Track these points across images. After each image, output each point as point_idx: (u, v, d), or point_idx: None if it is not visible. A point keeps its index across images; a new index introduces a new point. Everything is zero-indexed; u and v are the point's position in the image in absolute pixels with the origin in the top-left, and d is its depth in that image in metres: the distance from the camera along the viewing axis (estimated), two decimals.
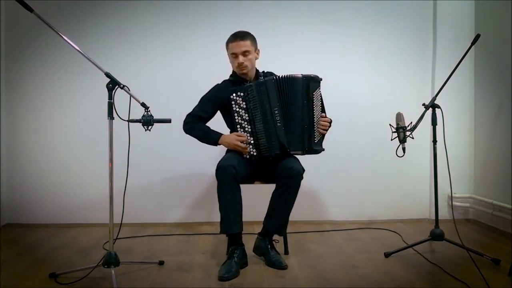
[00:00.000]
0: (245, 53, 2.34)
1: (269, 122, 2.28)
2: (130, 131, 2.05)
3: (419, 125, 2.38)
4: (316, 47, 3.25)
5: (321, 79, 2.32)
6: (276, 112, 2.27)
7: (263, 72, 2.53)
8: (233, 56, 2.37)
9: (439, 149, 2.46)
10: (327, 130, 2.36)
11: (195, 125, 2.42)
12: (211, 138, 2.37)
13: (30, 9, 1.86)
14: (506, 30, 2.85)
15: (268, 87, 2.28)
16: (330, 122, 2.38)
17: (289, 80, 2.29)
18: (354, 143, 3.28)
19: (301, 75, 2.29)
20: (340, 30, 3.26)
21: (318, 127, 2.32)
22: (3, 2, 3.10)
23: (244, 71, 2.38)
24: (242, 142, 2.29)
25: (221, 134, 2.37)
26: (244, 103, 2.29)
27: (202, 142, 2.42)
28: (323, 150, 2.37)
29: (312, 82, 2.29)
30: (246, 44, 2.34)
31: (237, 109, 2.30)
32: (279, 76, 2.31)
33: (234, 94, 2.29)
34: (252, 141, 2.30)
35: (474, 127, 3.28)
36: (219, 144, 2.37)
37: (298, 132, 2.30)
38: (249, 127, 2.30)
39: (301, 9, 3.23)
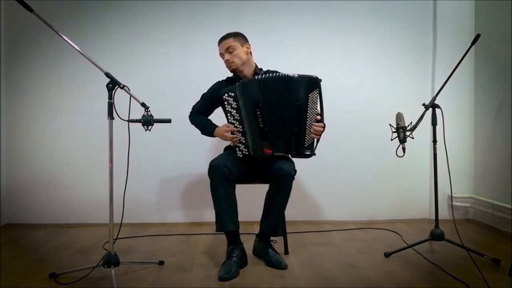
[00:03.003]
0: (228, 50, 2.37)
1: (253, 123, 2.24)
2: (130, 131, 2.05)
3: (419, 125, 2.38)
4: (316, 47, 3.24)
5: (320, 80, 2.20)
6: (258, 112, 2.22)
7: (262, 70, 2.47)
8: (221, 57, 2.43)
9: (439, 149, 2.46)
10: (319, 135, 2.27)
11: (196, 117, 2.52)
12: (208, 130, 2.44)
13: (30, 9, 1.86)
14: (506, 30, 2.85)
15: (250, 87, 2.22)
16: (324, 127, 2.28)
17: (282, 80, 2.20)
18: (354, 143, 3.28)
19: (297, 75, 2.19)
20: (340, 30, 3.26)
21: (310, 131, 2.24)
22: (3, 2, 3.10)
23: (232, 66, 2.40)
24: (231, 132, 2.29)
25: (216, 126, 2.40)
26: (235, 103, 2.27)
27: (202, 133, 2.49)
28: (314, 154, 2.29)
29: (308, 83, 2.19)
30: (227, 42, 2.38)
31: (229, 109, 2.29)
32: (269, 75, 2.22)
33: (226, 94, 2.28)
34: (244, 141, 2.29)
35: (474, 127, 3.28)
36: (215, 136, 2.40)
37: (285, 134, 2.24)
38: (240, 126, 2.28)
39: (301, 9, 3.23)
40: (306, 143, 2.25)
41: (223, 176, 2.17)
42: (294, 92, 2.20)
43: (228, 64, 2.40)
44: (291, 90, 2.20)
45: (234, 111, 2.28)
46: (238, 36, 2.41)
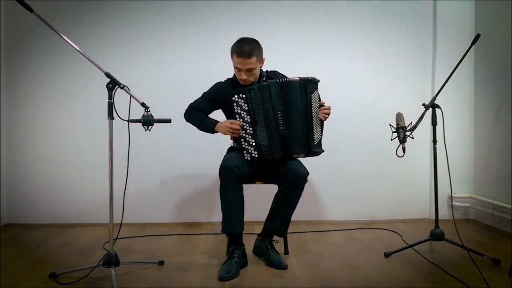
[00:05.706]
0: (249, 70, 2.28)
1: (272, 125, 2.26)
2: (130, 131, 2.05)
3: (419, 125, 2.38)
4: (316, 47, 3.24)
5: (318, 81, 2.30)
6: (279, 115, 2.26)
7: (267, 71, 2.49)
8: (237, 69, 2.32)
9: (439, 149, 2.46)
10: (327, 116, 2.33)
11: (193, 113, 2.46)
12: (208, 125, 2.39)
13: (30, 9, 1.86)
14: (506, 30, 2.84)
15: (272, 90, 2.25)
16: (329, 108, 2.35)
17: (288, 84, 2.27)
18: (353, 143, 3.28)
19: (298, 78, 2.27)
20: (340, 30, 3.26)
21: (318, 129, 2.31)
22: (3, 2, 3.10)
23: (247, 83, 2.35)
24: (234, 125, 2.29)
25: (217, 121, 2.38)
26: (246, 105, 2.28)
27: (200, 129, 2.44)
28: (323, 151, 2.36)
29: (309, 84, 2.27)
30: (251, 62, 2.25)
31: (239, 111, 2.29)
32: (279, 80, 2.29)
33: (236, 96, 2.28)
34: (253, 143, 2.29)
35: (474, 127, 3.27)
36: (216, 132, 2.37)
37: (299, 135, 2.29)
38: (250, 129, 2.29)
39: (301, 10, 3.23)
40: (315, 141, 2.31)
41: (235, 177, 2.17)
42: (299, 94, 2.27)
43: (245, 82, 2.32)
44: (296, 92, 2.27)
45: (244, 113, 2.29)
46: (260, 52, 2.32)
